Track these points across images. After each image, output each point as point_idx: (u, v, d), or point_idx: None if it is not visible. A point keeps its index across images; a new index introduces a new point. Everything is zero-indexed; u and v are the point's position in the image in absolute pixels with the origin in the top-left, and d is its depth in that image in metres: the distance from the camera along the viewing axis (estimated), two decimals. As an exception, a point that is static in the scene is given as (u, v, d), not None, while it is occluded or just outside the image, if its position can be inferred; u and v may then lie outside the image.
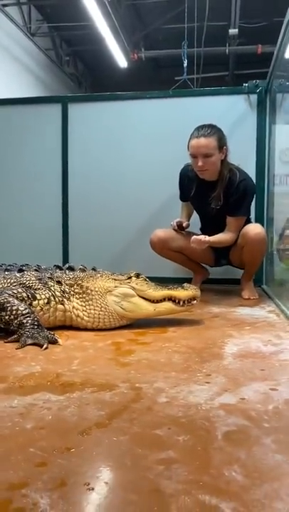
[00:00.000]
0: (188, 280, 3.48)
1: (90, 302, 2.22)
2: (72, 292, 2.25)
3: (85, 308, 2.22)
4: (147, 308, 2.27)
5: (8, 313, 2.00)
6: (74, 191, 4.15)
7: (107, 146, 4.08)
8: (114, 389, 1.41)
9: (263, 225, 3.45)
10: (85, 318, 2.22)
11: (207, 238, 2.96)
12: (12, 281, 2.21)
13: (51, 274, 2.30)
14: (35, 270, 2.31)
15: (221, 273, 3.72)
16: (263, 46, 8.99)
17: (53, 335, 1.98)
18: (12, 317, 1.99)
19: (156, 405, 1.28)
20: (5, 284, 2.20)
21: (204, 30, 8.11)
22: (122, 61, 9.74)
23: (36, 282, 2.22)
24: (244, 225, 3.14)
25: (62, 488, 0.87)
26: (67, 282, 2.27)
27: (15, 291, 2.10)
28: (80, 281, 2.27)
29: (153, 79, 10.90)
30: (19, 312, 2.00)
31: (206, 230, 3.31)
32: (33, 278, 2.24)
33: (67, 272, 2.33)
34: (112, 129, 4.08)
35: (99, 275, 2.32)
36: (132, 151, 4.03)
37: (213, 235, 3.12)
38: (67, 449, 1.03)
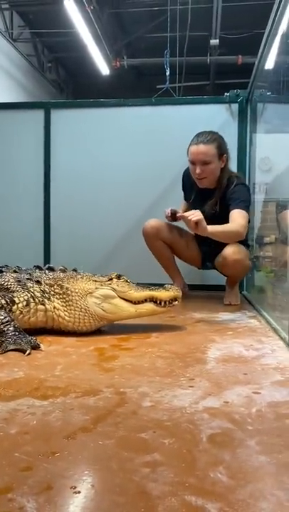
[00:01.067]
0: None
1: (70, 303, 2.21)
2: (52, 292, 2.23)
3: (66, 309, 2.20)
4: (128, 310, 2.26)
5: None
6: (56, 198, 4.15)
7: (89, 153, 4.10)
8: (98, 394, 1.41)
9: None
10: (66, 318, 2.20)
11: (205, 225, 2.51)
12: None
13: (30, 274, 2.28)
14: (14, 271, 2.28)
15: (203, 279, 3.75)
16: (243, 57, 9.18)
17: (36, 340, 1.97)
18: None
19: (141, 409, 1.28)
20: None
21: (186, 39, 8.24)
22: (104, 68, 9.79)
23: (14, 284, 2.19)
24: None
25: (48, 492, 0.87)
26: (46, 282, 2.25)
27: None
28: (61, 282, 2.25)
29: (135, 87, 10.99)
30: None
31: (199, 236, 3.34)
32: (12, 280, 2.21)
33: (46, 272, 2.31)
34: (94, 136, 4.10)
35: (79, 276, 2.30)
36: (115, 157, 4.05)
37: (203, 239, 3.03)
38: (52, 454, 1.02)
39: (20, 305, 2.12)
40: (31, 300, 2.16)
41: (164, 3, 7.89)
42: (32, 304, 2.16)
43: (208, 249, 3.26)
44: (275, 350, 1.94)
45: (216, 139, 3.02)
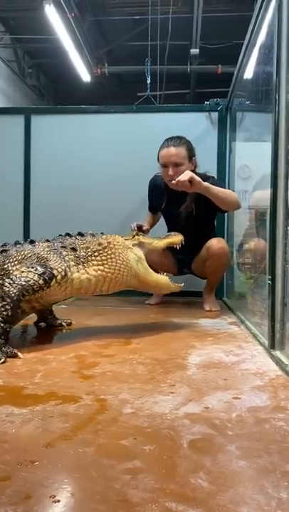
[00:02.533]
0: (150, 294, 3.51)
1: (113, 256, 2.28)
2: (89, 253, 2.26)
3: (106, 262, 2.26)
4: (152, 275, 2.42)
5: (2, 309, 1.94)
6: (36, 204, 4.11)
7: (70, 159, 4.08)
8: (78, 401, 1.39)
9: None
10: (105, 270, 2.25)
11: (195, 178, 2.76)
12: (26, 252, 2.17)
13: (62, 242, 2.29)
14: (47, 240, 2.28)
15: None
16: (222, 66, 9.32)
17: (13, 350, 1.92)
18: None
19: (122, 416, 1.27)
20: (19, 256, 2.15)
21: (167, 48, 8.34)
22: (85, 75, 9.81)
23: (51, 253, 2.18)
24: (207, 239, 3.19)
25: (27, 502, 0.85)
26: (82, 246, 2.27)
27: (31, 283, 2.03)
28: (99, 240, 2.32)
29: (116, 94, 11.04)
30: (3, 315, 1.93)
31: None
32: (47, 248, 2.21)
33: (78, 237, 2.34)
34: (75, 142, 4.09)
35: (113, 234, 2.41)
36: (96, 164, 4.05)
37: (182, 248, 3.13)
38: (31, 462, 1.01)
39: (58, 277, 2.12)
40: (68, 270, 2.17)
41: (145, 12, 7.97)
42: (69, 274, 2.17)
43: (184, 257, 3.32)
44: (255, 355, 1.96)
45: (185, 142, 3.12)
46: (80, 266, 2.23)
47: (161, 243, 2.53)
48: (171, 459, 1.02)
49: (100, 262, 2.26)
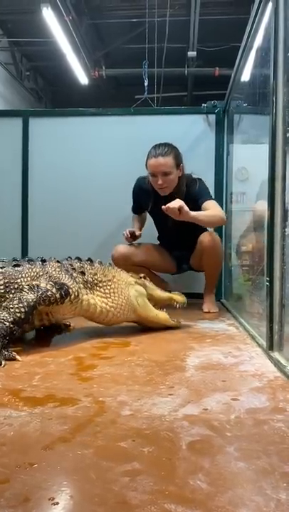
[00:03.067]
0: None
1: (115, 291, 2.33)
2: (95, 281, 2.31)
3: (109, 296, 2.31)
4: (152, 311, 2.49)
5: (6, 315, 1.95)
6: (34, 206, 4.11)
7: (68, 162, 4.09)
8: (77, 403, 1.39)
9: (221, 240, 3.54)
10: (108, 304, 2.30)
11: (186, 209, 2.83)
12: (38, 270, 2.20)
13: (71, 265, 2.32)
14: (57, 261, 2.31)
15: (181, 287, 3.76)
16: (220, 69, 9.33)
17: (11, 353, 1.92)
18: (9, 317, 1.95)
19: (120, 418, 1.27)
20: (31, 273, 2.18)
21: (164, 51, 8.35)
22: (82, 78, 9.81)
23: (62, 273, 2.22)
24: (200, 234, 3.22)
25: (26, 504, 0.85)
26: (90, 272, 2.32)
27: (49, 294, 2.07)
28: (106, 271, 2.38)
29: (114, 96, 11.05)
30: (14, 318, 1.95)
31: (163, 241, 3.40)
32: (57, 268, 2.24)
33: (87, 262, 2.38)
34: (73, 145, 4.09)
35: (118, 269, 2.47)
36: (93, 167, 4.06)
37: (172, 246, 3.19)
38: (30, 465, 1.01)
39: (72, 296, 2.17)
40: (79, 291, 2.22)
41: (142, 14, 7.98)
42: (80, 295, 2.22)
43: (181, 253, 3.42)
44: (253, 357, 1.96)
45: (172, 150, 3.17)
46: (88, 291, 2.29)
47: (163, 295, 2.59)
48: (170, 461, 1.02)
49: (104, 295, 2.33)
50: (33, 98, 11.81)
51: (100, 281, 2.33)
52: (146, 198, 3.36)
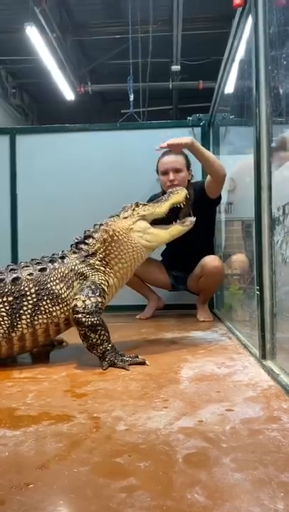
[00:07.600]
0: (143, 307, 3.51)
1: (122, 247, 2.25)
2: (103, 248, 2.25)
3: (119, 253, 2.25)
4: (164, 235, 2.38)
5: (97, 336, 2.01)
6: (23, 222, 4.10)
7: (56, 178, 4.09)
8: (71, 420, 1.38)
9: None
10: (121, 261, 2.25)
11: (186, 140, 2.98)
12: (63, 269, 2.18)
13: (86, 250, 2.26)
14: (74, 252, 2.27)
15: (175, 298, 3.77)
16: (203, 82, 9.48)
17: (137, 356, 2.05)
18: (99, 342, 2.01)
19: (116, 434, 1.27)
20: (58, 274, 2.15)
21: (148, 66, 8.46)
22: (68, 94, 9.90)
23: (85, 268, 2.20)
24: (204, 255, 3.21)
25: (22, 525, 0.84)
26: (97, 246, 2.26)
27: (100, 305, 2.06)
28: (103, 235, 2.26)
29: (100, 112, 11.15)
30: (105, 338, 2.02)
31: (167, 258, 3.39)
32: (77, 261, 2.22)
33: (86, 241, 2.30)
34: (61, 161, 4.10)
35: (110, 220, 2.34)
36: (81, 182, 4.06)
37: (174, 264, 3.25)
38: (25, 485, 1.00)
39: (106, 289, 2.18)
40: (107, 277, 2.22)
41: (126, 31, 8.10)
42: (110, 280, 2.22)
43: (180, 274, 3.41)
44: (247, 366, 1.97)
45: (182, 152, 3.27)
46: (105, 268, 2.24)
47: (163, 208, 2.38)
48: (166, 475, 1.02)
49: (117, 260, 2.26)
50: (20, 115, 11.85)
51: (109, 244, 2.25)
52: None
